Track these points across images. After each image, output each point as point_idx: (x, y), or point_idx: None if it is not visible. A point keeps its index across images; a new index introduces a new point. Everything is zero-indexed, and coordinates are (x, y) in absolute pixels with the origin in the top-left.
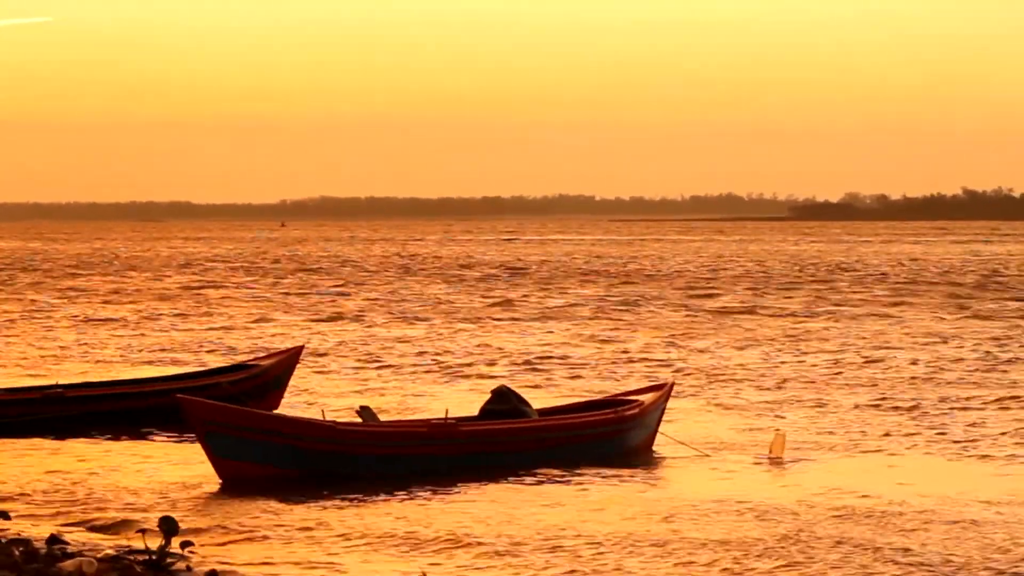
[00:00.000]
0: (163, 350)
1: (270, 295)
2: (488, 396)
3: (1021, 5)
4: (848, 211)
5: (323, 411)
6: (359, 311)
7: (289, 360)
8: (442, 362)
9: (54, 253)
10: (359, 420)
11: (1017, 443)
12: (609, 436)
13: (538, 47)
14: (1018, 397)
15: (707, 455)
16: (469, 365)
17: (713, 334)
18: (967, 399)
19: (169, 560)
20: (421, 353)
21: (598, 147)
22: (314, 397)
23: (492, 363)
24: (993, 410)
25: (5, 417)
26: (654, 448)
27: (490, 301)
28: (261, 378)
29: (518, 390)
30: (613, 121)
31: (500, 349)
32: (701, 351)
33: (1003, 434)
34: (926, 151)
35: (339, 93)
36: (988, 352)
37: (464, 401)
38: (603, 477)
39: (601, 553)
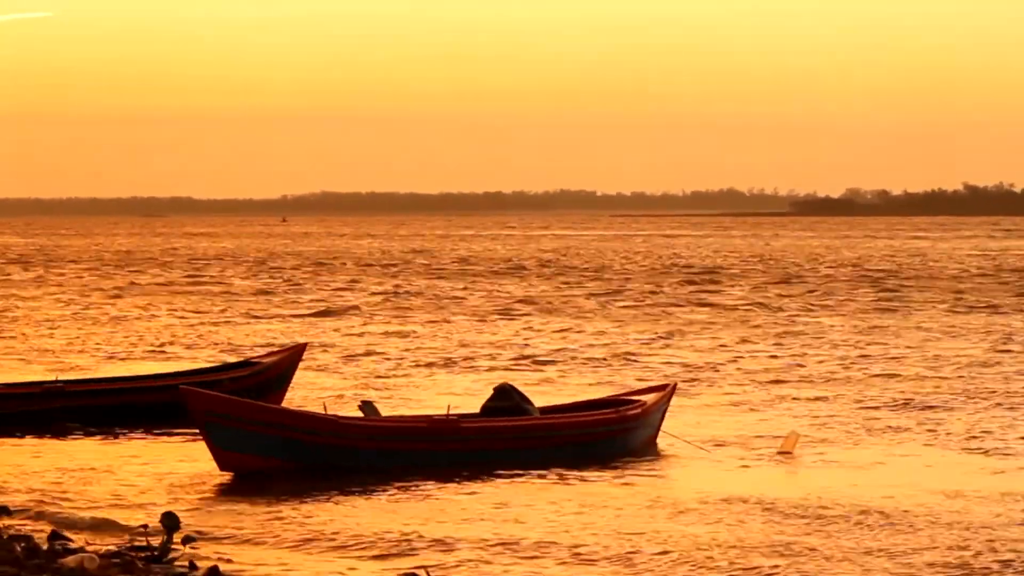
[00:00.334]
0: (166, 346)
1: (273, 291)
2: (490, 393)
3: (1022, 1)
4: (849, 206)
5: (325, 405)
6: (361, 307)
7: (292, 357)
8: (445, 358)
9: (55, 249)
10: (361, 415)
11: None
12: (611, 436)
13: (539, 43)
14: None
15: (709, 452)
16: (471, 360)
17: (717, 330)
18: (970, 397)
19: (171, 556)
20: (422, 349)
21: (599, 142)
22: (316, 392)
23: (494, 359)
24: (1005, 408)
25: (5, 411)
26: (656, 447)
27: (494, 297)
28: (264, 375)
29: (520, 387)
30: (614, 116)
31: (503, 345)
32: (704, 348)
33: (1009, 427)
34: (927, 147)
35: (340, 88)
36: (997, 349)
37: (466, 398)
38: (604, 475)
39: (603, 551)
